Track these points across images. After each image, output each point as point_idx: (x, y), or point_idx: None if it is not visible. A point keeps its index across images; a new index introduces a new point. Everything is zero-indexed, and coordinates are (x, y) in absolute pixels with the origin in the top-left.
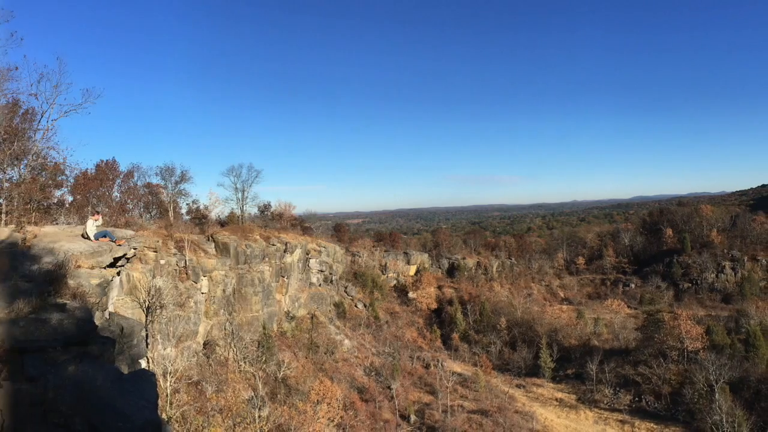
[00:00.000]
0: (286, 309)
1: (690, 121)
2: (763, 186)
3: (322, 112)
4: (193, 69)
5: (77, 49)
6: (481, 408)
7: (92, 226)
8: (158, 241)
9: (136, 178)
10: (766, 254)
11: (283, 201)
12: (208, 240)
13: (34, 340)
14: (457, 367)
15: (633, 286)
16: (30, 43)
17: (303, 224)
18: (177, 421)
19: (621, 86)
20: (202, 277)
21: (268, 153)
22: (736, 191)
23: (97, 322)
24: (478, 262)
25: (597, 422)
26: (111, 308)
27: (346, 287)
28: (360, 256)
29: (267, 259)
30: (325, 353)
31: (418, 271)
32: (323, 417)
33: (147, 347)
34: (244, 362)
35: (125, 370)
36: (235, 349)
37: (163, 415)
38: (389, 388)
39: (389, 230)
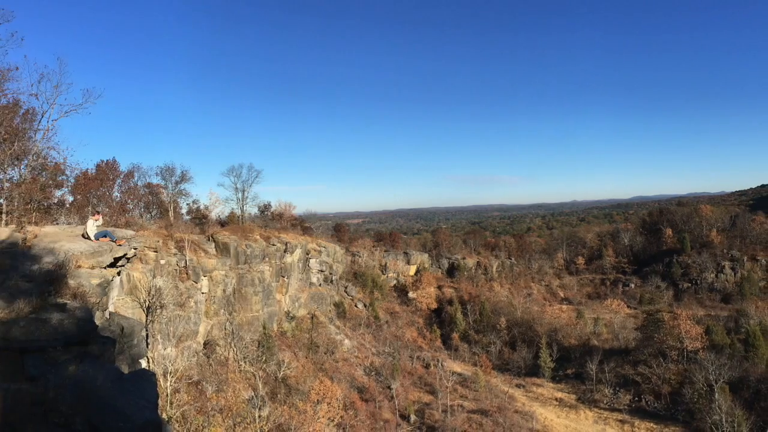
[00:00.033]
0: (286, 309)
1: (689, 121)
2: (763, 186)
3: (322, 113)
4: (193, 69)
5: (78, 49)
6: (481, 408)
7: (93, 226)
8: (158, 241)
9: (136, 178)
10: (765, 254)
11: (283, 201)
12: (209, 240)
13: (34, 339)
14: (457, 366)
15: (633, 286)
16: (30, 43)
17: (303, 224)
18: (177, 421)
19: (620, 86)
20: (202, 277)
21: (268, 153)
22: (736, 191)
23: (97, 322)
24: (478, 262)
25: (597, 422)
26: (111, 308)
27: (346, 287)
28: (360, 256)
29: (267, 259)
30: (325, 353)
31: (418, 271)
32: (323, 417)
33: (147, 347)
34: (245, 362)
35: (125, 369)
36: (235, 349)
37: (164, 415)
38: (389, 387)
39: (389, 230)
